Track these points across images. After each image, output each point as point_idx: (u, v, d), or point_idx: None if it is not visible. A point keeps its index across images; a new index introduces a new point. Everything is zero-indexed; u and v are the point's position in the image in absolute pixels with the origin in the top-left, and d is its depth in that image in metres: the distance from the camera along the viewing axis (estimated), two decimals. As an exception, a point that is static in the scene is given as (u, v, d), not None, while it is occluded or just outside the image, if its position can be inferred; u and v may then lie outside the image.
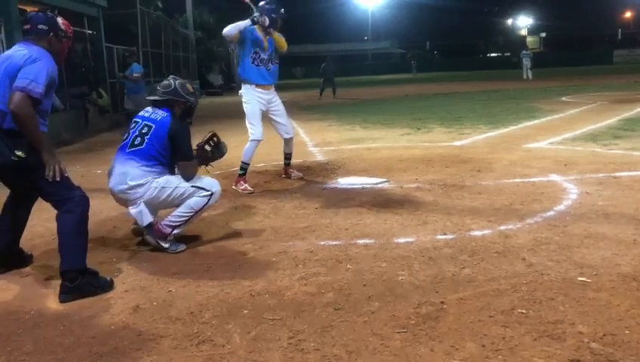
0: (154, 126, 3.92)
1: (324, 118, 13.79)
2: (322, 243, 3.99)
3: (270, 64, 5.90)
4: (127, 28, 18.03)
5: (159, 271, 3.58)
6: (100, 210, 4.75)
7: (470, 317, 2.72)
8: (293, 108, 14.44)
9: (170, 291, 3.23)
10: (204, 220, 4.72)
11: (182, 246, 3.97)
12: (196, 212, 3.95)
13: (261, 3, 5.81)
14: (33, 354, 2.59)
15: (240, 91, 6.03)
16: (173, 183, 3.91)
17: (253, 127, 5.85)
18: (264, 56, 5.84)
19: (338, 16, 65.47)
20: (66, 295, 3.17)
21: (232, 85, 33.06)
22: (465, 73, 42.29)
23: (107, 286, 3.30)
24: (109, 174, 3.99)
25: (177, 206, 3.95)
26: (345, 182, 6.05)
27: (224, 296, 3.13)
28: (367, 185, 5.80)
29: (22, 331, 2.83)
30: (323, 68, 21.83)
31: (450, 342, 2.49)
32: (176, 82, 4.10)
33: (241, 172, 5.87)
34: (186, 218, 3.93)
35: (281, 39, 5.87)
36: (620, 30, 62.35)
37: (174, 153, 3.95)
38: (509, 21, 73.42)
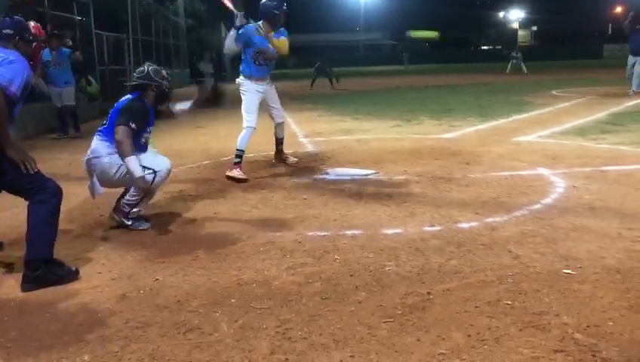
0: (116, 106, 4.16)
1: (315, 108, 13.75)
2: (310, 233, 3.99)
3: (272, 61, 6.02)
4: (118, 15, 17.84)
5: (146, 259, 3.57)
6: (86, 198, 4.72)
7: (456, 308, 2.74)
8: (285, 99, 14.23)
9: (157, 279, 3.23)
10: (192, 209, 4.72)
11: (145, 225, 4.18)
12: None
13: (263, 0, 5.77)
14: (19, 341, 2.58)
15: (237, 80, 6.03)
16: (120, 161, 4.03)
17: (249, 115, 5.88)
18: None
19: (330, 5, 65.17)
20: (28, 284, 3.13)
21: (222, 74, 32.79)
22: (456, 65, 42.26)
23: (71, 275, 3.26)
24: None
25: (127, 184, 4.15)
26: (334, 173, 6.05)
27: (211, 284, 3.13)
28: (357, 177, 5.81)
29: (7, 318, 2.82)
30: (316, 68, 21.99)
31: (437, 332, 2.51)
32: (150, 68, 4.29)
33: (237, 160, 5.81)
34: (138, 197, 4.11)
35: (280, 45, 5.80)
36: (610, 25, 62.56)
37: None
38: (501, 14, 73.49)
